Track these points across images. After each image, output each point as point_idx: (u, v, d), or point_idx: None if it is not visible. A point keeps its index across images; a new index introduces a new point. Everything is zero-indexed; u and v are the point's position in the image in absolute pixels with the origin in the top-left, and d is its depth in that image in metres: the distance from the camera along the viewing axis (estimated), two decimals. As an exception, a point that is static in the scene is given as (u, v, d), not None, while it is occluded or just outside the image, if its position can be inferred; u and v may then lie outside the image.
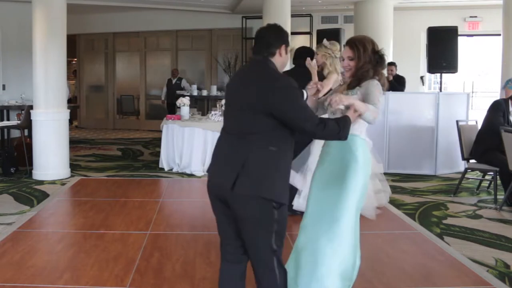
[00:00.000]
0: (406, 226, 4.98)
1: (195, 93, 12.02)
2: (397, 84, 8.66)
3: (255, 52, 2.67)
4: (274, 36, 2.65)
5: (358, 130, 2.97)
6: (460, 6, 11.70)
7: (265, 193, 2.47)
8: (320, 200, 2.99)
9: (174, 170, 7.72)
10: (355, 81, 3.04)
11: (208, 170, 2.75)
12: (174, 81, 12.65)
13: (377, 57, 3.04)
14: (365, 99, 2.92)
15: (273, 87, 2.50)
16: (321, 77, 5.00)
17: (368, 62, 3.01)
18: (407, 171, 7.63)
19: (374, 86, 2.97)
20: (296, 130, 2.57)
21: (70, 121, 8.57)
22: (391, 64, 9.01)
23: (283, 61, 2.68)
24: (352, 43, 3.02)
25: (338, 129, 2.61)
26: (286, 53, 2.68)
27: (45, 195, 6.14)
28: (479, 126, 6.40)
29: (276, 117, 2.49)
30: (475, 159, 6.26)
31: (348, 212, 2.90)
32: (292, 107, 2.49)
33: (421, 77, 12.01)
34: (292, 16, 10.44)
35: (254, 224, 2.51)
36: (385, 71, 3.17)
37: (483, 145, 6.08)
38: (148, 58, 14.14)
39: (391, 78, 8.81)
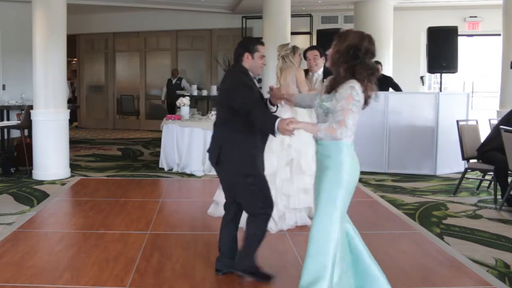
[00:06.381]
0: (406, 226, 4.98)
1: (195, 93, 12.02)
2: (386, 85, 8.17)
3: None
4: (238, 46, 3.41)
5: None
6: (460, 6, 11.70)
7: None
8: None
9: (174, 170, 7.72)
10: (332, 83, 2.76)
11: None
12: (174, 81, 12.65)
13: (354, 53, 2.65)
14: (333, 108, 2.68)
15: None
16: None
17: (342, 54, 2.68)
18: (407, 171, 7.63)
19: (343, 95, 2.63)
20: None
21: (70, 121, 8.55)
22: (377, 63, 8.79)
23: (251, 65, 3.36)
24: (339, 34, 2.78)
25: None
26: (253, 58, 3.35)
27: (45, 195, 6.14)
28: (479, 126, 6.37)
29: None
30: (478, 157, 6.20)
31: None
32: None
33: (421, 77, 12.02)
34: (292, 16, 10.43)
35: None
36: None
37: (489, 144, 6.00)
38: (148, 58, 14.13)
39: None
